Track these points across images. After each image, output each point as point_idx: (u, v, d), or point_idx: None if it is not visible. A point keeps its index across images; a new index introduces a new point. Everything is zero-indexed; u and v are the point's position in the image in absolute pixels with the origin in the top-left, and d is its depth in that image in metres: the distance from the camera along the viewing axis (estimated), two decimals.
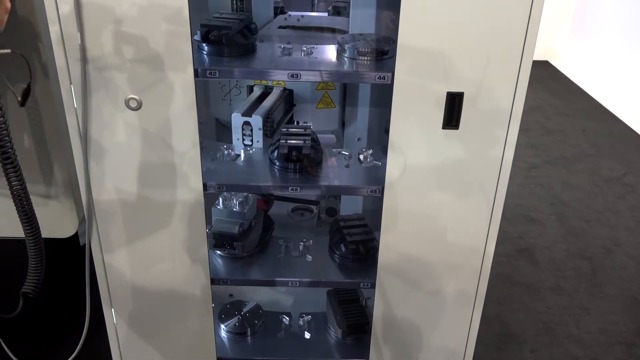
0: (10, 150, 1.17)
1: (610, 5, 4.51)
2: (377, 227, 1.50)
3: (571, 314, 2.32)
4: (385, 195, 1.43)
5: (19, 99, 1.24)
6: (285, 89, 1.74)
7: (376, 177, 1.49)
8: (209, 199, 1.57)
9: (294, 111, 1.79)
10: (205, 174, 1.43)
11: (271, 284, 1.68)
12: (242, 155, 1.59)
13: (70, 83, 1.28)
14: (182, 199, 1.44)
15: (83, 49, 1.24)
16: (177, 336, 1.67)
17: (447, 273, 1.55)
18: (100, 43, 1.24)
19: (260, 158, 1.59)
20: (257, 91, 1.74)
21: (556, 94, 4.68)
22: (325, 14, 1.94)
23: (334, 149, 1.65)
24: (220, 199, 1.67)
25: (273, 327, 1.83)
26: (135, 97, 1.30)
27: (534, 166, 3.50)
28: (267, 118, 1.59)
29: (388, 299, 1.59)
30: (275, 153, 1.54)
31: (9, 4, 1.12)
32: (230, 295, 1.95)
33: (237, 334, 1.81)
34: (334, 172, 1.55)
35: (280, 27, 1.82)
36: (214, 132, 1.88)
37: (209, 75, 1.33)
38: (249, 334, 1.81)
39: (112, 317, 1.63)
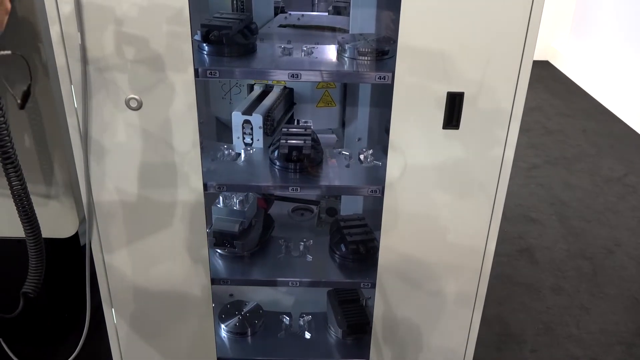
0: (10, 150, 1.17)
1: (611, 5, 4.51)
2: (378, 227, 1.50)
3: (571, 314, 2.32)
4: (385, 195, 1.43)
5: (19, 101, 1.24)
6: (285, 87, 1.74)
7: (376, 177, 1.49)
8: (209, 199, 1.57)
9: (294, 110, 1.79)
10: (206, 174, 1.44)
11: (271, 284, 1.68)
12: (243, 155, 1.59)
13: (71, 83, 1.28)
14: (182, 199, 1.44)
15: (83, 49, 1.24)
16: (177, 336, 1.67)
17: (448, 273, 1.55)
18: (100, 43, 1.24)
19: (260, 158, 1.59)
20: (257, 90, 1.75)
21: (556, 94, 4.68)
22: (326, 14, 1.94)
23: (334, 149, 1.65)
24: (221, 197, 1.67)
25: (273, 327, 1.83)
26: (136, 97, 1.30)
27: (534, 166, 3.50)
28: (267, 116, 1.59)
29: (388, 299, 1.59)
30: (276, 153, 1.54)
31: (9, 5, 1.12)
32: (231, 295, 1.96)
33: (238, 334, 1.81)
34: (334, 172, 1.55)
35: (280, 25, 1.82)
36: (214, 131, 1.88)
37: (209, 75, 1.33)
38: (249, 334, 1.81)
39: (112, 317, 1.63)
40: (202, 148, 1.39)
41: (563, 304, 2.38)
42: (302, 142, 1.51)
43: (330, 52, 1.46)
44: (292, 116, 1.79)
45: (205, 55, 1.40)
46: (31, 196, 1.26)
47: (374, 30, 1.60)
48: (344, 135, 1.88)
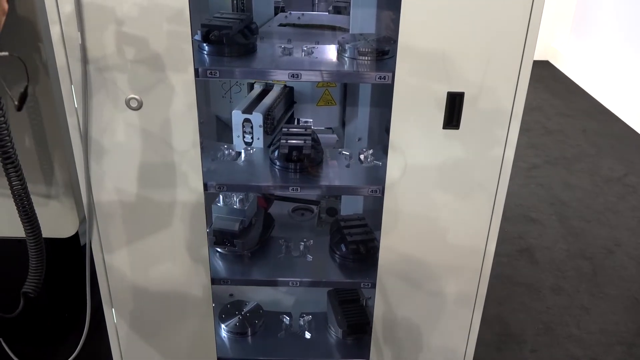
0: (11, 150, 1.17)
1: (611, 5, 4.51)
2: (378, 227, 1.50)
3: (571, 314, 2.32)
4: (385, 195, 1.43)
5: (16, 103, 1.24)
6: (285, 86, 1.74)
7: (377, 177, 1.49)
8: (210, 199, 1.57)
9: (294, 108, 1.79)
10: (206, 173, 1.43)
11: (272, 283, 1.68)
12: (243, 155, 1.59)
13: (71, 83, 1.28)
14: (182, 199, 1.44)
15: (84, 49, 1.24)
16: (177, 336, 1.67)
17: (448, 273, 1.55)
18: (101, 43, 1.24)
19: (260, 158, 1.59)
20: (257, 88, 1.75)
21: (557, 94, 4.68)
22: (326, 14, 1.94)
23: (334, 149, 1.65)
24: (221, 196, 1.67)
25: (273, 327, 1.83)
26: (136, 96, 1.30)
27: (534, 166, 3.50)
28: (267, 115, 1.59)
29: (388, 299, 1.59)
30: (276, 153, 1.54)
31: (6, 6, 1.11)
32: (231, 295, 1.96)
33: (238, 333, 1.81)
34: (335, 172, 1.55)
35: (280, 24, 1.82)
36: (214, 131, 1.88)
37: (210, 75, 1.33)
38: (249, 334, 1.81)
39: (112, 317, 1.63)
40: (202, 148, 1.39)
41: (563, 304, 2.38)
42: (303, 142, 1.51)
43: (330, 52, 1.46)
44: (292, 115, 1.79)
45: (206, 55, 1.40)
46: (31, 196, 1.26)
47: (374, 30, 1.60)
48: (344, 134, 1.88)
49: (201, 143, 1.38)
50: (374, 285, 1.58)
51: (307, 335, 1.81)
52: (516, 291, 2.44)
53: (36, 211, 1.29)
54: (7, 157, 1.17)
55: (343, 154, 1.60)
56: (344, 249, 1.67)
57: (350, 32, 1.64)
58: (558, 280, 2.52)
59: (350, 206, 1.94)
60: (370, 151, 1.56)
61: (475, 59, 1.26)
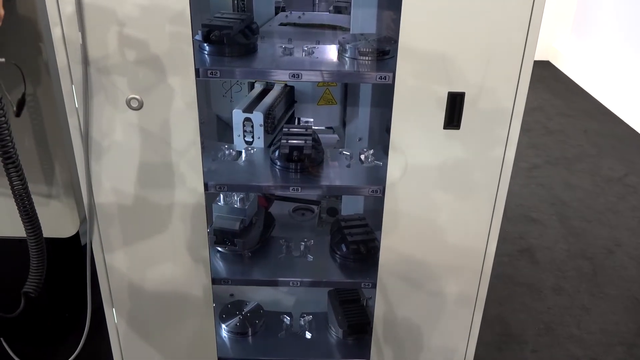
0: (11, 149, 1.17)
1: (611, 5, 4.50)
2: (378, 227, 1.50)
3: (572, 314, 2.32)
4: (386, 195, 1.43)
5: (14, 109, 1.24)
6: (286, 85, 1.74)
7: (377, 177, 1.49)
8: (210, 199, 1.57)
9: (295, 107, 1.79)
10: (207, 173, 1.43)
11: (272, 283, 1.68)
12: (243, 155, 1.59)
13: (72, 83, 1.28)
14: (183, 199, 1.44)
15: (84, 49, 1.24)
16: (178, 336, 1.67)
17: (448, 273, 1.55)
18: (102, 44, 1.24)
19: (261, 158, 1.59)
20: (258, 88, 1.75)
21: (557, 94, 4.68)
22: (326, 13, 1.94)
23: (335, 149, 1.65)
24: (221, 195, 1.67)
25: (274, 327, 1.83)
26: (137, 97, 1.30)
27: (535, 166, 3.50)
28: (268, 114, 1.60)
29: (389, 299, 1.59)
30: (277, 153, 1.54)
31: (2, 11, 1.11)
32: (231, 295, 1.96)
33: (238, 333, 1.81)
34: (335, 172, 1.55)
35: (281, 24, 1.82)
36: (215, 131, 1.88)
37: (210, 75, 1.33)
38: (249, 334, 1.81)
39: (113, 317, 1.63)
40: (202, 148, 1.39)
41: (563, 304, 2.38)
42: (303, 142, 1.51)
43: (331, 51, 1.46)
44: (292, 114, 1.79)
45: (206, 55, 1.40)
46: (32, 196, 1.26)
47: (375, 30, 1.60)
48: (344, 134, 1.88)
49: (202, 143, 1.38)
50: (374, 285, 1.58)
51: (308, 335, 1.81)
52: (517, 291, 2.44)
53: (37, 211, 1.29)
54: (8, 156, 1.17)
55: (344, 154, 1.60)
56: (344, 249, 1.67)
57: (350, 32, 1.64)
58: (558, 281, 2.51)
59: (351, 206, 1.94)
60: (371, 151, 1.56)
61: (476, 59, 1.26)
